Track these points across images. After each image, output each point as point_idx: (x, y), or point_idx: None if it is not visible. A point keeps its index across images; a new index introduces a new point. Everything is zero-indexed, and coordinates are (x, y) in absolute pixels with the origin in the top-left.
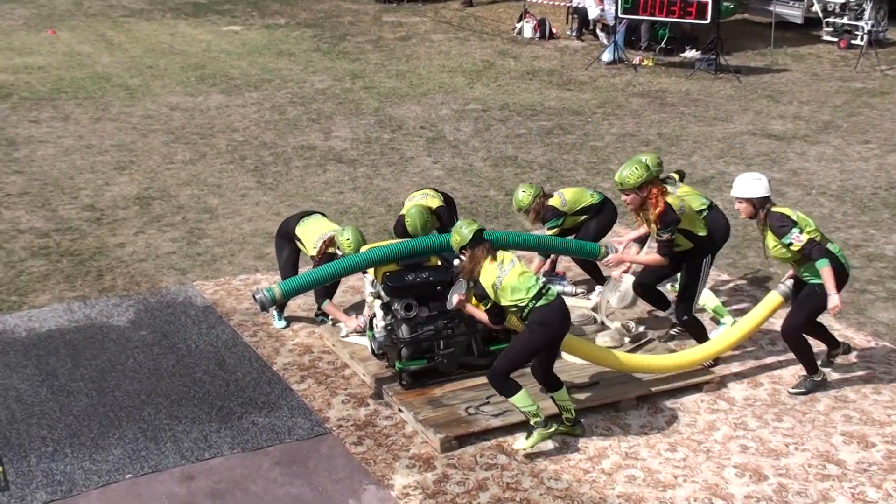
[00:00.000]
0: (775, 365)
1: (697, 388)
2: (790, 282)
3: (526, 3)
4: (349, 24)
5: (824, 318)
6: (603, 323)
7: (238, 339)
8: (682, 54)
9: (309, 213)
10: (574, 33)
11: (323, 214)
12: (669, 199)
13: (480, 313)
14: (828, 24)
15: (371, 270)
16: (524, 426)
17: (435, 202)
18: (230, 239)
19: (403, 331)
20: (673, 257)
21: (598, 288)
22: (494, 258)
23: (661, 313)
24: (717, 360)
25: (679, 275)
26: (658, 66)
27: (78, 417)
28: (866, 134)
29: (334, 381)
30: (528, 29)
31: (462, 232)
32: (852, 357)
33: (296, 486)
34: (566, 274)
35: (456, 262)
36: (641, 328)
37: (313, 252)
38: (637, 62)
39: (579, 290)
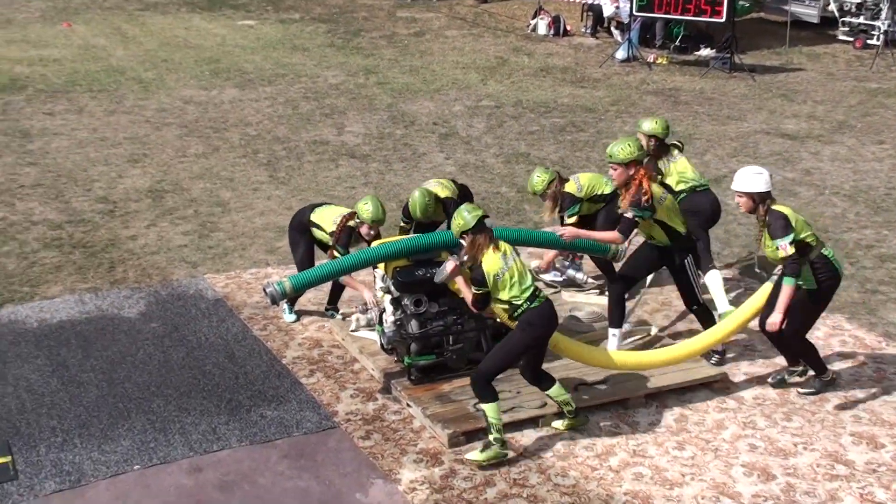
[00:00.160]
0: (784, 364)
1: (706, 386)
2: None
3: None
4: (363, 19)
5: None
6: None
7: (248, 332)
8: (696, 53)
9: (321, 205)
10: (588, 31)
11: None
12: (657, 187)
13: (467, 289)
14: (844, 23)
15: (381, 265)
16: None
17: (444, 192)
18: (242, 232)
19: (413, 326)
20: (653, 253)
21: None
22: (497, 247)
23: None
24: (723, 359)
25: (720, 303)
26: (672, 64)
27: (87, 408)
28: (881, 134)
29: (343, 376)
30: (542, 26)
31: (465, 216)
32: (863, 357)
33: (303, 480)
34: (581, 261)
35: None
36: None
37: (332, 228)
38: (651, 60)
39: (590, 279)
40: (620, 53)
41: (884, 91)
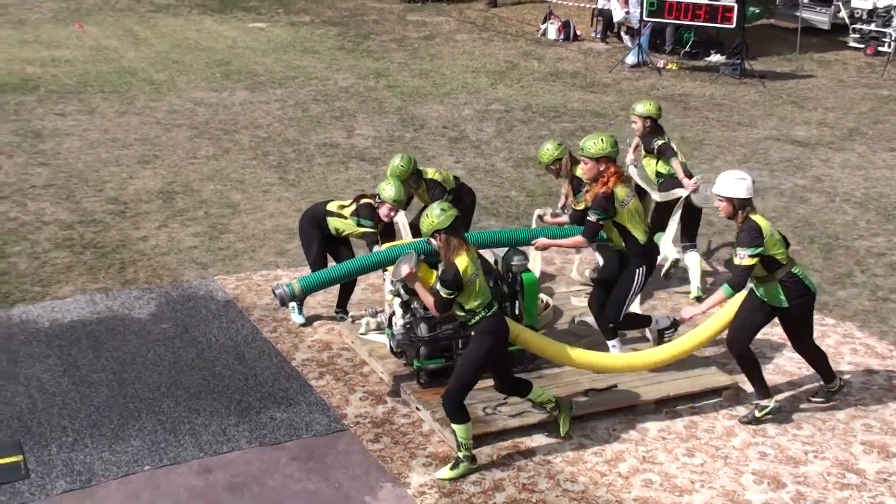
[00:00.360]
0: (795, 372)
1: (717, 393)
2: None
3: (551, 4)
4: (374, 22)
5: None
6: None
7: (258, 334)
8: (706, 58)
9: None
10: (598, 35)
11: None
12: (621, 190)
13: (425, 293)
14: (855, 30)
15: (391, 268)
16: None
17: (435, 175)
18: (252, 234)
19: (422, 329)
20: (615, 258)
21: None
22: (469, 250)
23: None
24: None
25: (693, 286)
26: (682, 69)
27: (98, 408)
28: (892, 141)
29: (353, 378)
30: (552, 30)
31: (439, 215)
32: (874, 366)
33: (312, 482)
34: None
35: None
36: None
37: (353, 207)
38: (661, 65)
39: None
40: (630, 59)
41: (895, 98)
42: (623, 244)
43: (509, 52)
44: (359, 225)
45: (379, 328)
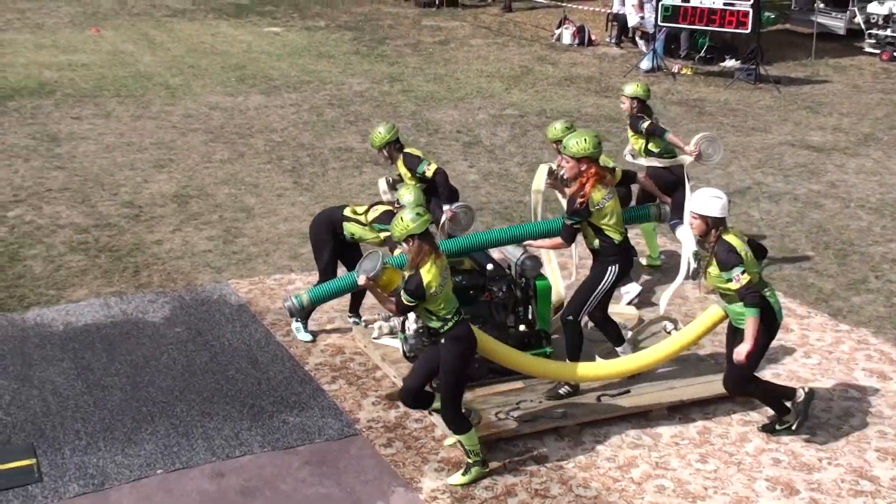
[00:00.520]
0: (810, 379)
1: (730, 399)
2: None
3: (565, 9)
4: (388, 27)
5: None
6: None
7: (271, 338)
8: (721, 63)
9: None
10: (613, 40)
11: None
12: (598, 193)
13: (384, 299)
14: (870, 35)
15: None
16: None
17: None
18: (266, 238)
19: None
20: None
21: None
22: (439, 257)
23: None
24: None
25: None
26: (697, 74)
27: (112, 412)
28: None
29: (365, 383)
30: (566, 35)
31: (414, 220)
32: (889, 372)
33: (325, 486)
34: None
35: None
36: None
37: (373, 215)
38: (676, 70)
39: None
40: (645, 63)
41: None
42: (597, 242)
43: (524, 56)
44: (380, 232)
45: (392, 332)
